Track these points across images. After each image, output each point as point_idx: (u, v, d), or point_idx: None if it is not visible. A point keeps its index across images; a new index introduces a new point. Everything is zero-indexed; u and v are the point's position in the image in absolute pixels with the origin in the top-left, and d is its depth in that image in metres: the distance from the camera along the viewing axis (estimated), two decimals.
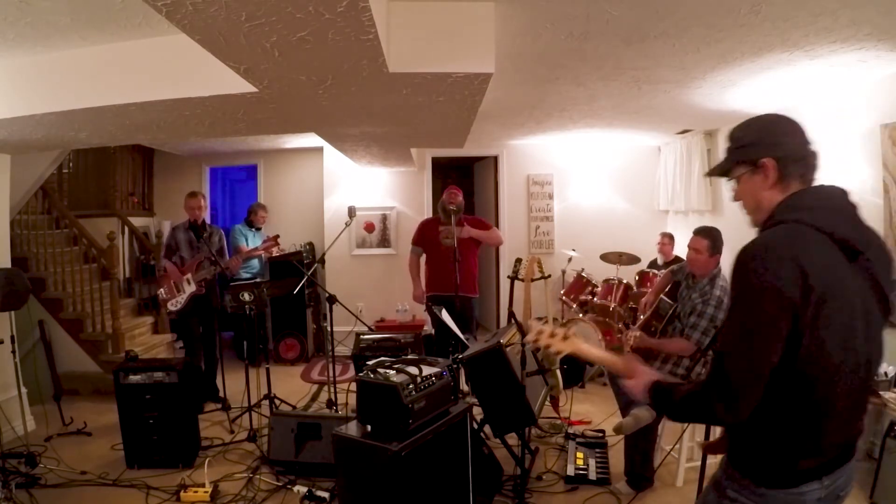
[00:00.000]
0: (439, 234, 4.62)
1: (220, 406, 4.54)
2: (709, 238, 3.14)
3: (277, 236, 5.17)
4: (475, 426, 3.02)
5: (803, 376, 1.22)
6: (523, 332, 3.25)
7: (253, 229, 6.07)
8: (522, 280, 4.15)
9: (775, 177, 1.33)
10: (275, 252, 5.33)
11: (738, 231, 6.17)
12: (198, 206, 4.68)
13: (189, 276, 4.55)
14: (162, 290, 4.58)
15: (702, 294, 3.13)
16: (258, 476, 3.37)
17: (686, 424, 3.18)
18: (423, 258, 4.82)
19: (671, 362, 3.18)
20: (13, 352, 3.89)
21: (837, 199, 1.34)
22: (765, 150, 1.34)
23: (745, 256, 1.25)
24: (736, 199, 1.45)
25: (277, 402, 4.33)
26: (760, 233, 1.36)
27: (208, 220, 5.06)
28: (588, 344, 1.60)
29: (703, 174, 1.18)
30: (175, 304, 4.57)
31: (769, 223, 1.33)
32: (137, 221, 6.82)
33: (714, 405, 1.23)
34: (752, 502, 1.29)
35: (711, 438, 1.52)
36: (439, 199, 4.69)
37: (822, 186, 1.35)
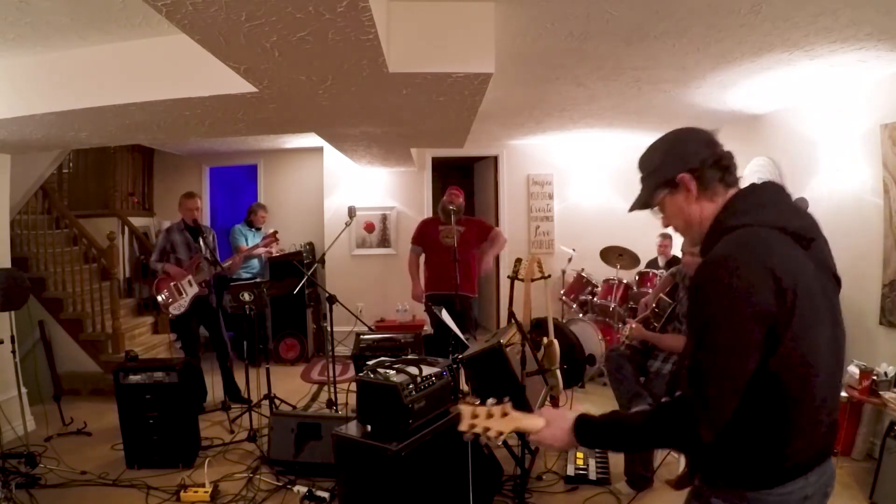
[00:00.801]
0: (439, 234, 4.62)
1: (222, 406, 4.53)
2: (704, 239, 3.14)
3: (276, 232, 5.16)
4: None
5: (782, 375, 1.19)
6: (523, 332, 3.25)
7: (253, 229, 6.07)
8: (522, 280, 4.14)
9: (696, 188, 1.30)
10: (274, 252, 5.33)
11: None
12: (195, 206, 4.66)
13: (190, 277, 4.53)
14: (163, 294, 4.50)
15: None
16: (258, 476, 3.37)
17: None
18: (423, 258, 4.82)
19: (671, 362, 3.18)
20: (13, 352, 3.88)
21: (775, 194, 1.32)
22: (675, 166, 1.32)
23: (709, 272, 1.19)
24: (666, 224, 1.41)
25: (277, 402, 4.33)
26: (704, 247, 1.32)
27: (207, 221, 5.04)
28: (519, 414, 1.42)
29: (628, 210, 1.17)
30: (178, 308, 4.49)
31: (714, 235, 1.28)
32: (137, 221, 6.82)
33: (697, 427, 1.16)
34: None
35: (676, 473, 1.46)
36: (440, 200, 4.69)
37: (754, 185, 1.32)
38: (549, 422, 1.36)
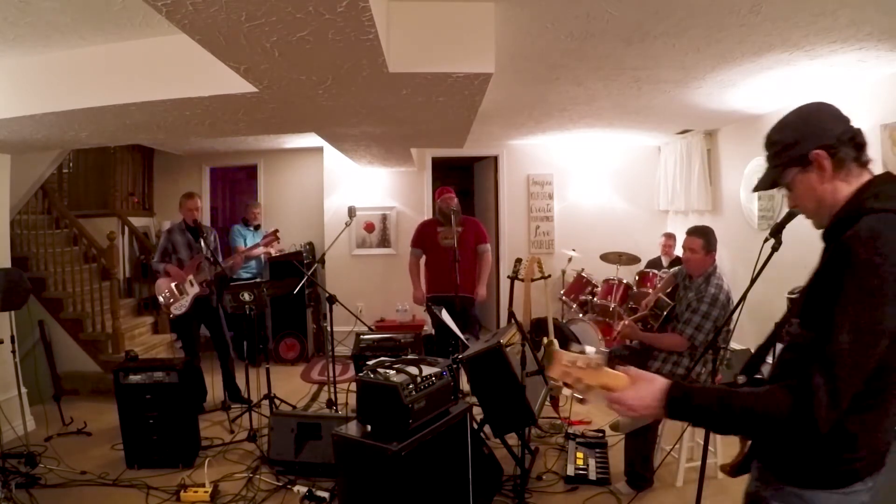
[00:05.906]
0: (438, 236, 4.63)
1: (222, 406, 4.53)
2: (703, 237, 3.15)
3: (276, 231, 5.16)
4: (475, 426, 3.02)
5: (885, 371, 1.12)
6: (523, 332, 3.25)
7: (251, 228, 6.07)
8: (522, 280, 4.15)
9: (831, 166, 1.21)
10: (273, 252, 5.31)
11: (736, 231, 6.17)
12: (196, 206, 4.67)
13: (191, 277, 4.53)
14: (164, 294, 4.50)
15: (697, 292, 3.13)
16: (258, 476, 3.37)
17: (686, 424, 3.18)
18: (423, 260, 4.82)
19: (671, 362, 3.18)
20: (13, 352, 3.88)
21: None
22: (811, 142, 1.22)
23: (852, 247, 1.10)
24: (793, 205, 1.31)
25: (277, 402, 4.33)
26: (833, 230, 1.21)
27: (207, 221, 5.03)
28: (608, 369, 1.29)
29: (751, 190, 1.11)
30: (179, 308, 4.49)
31: (851, 217, 1.17)
32: (137, 221, 6.81)
33: (821, 411, 1.06)
34: None
35: (729, 460, 1.43)
36: (435, 203, 4.70)
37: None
38: (635, 380, 1.22)
